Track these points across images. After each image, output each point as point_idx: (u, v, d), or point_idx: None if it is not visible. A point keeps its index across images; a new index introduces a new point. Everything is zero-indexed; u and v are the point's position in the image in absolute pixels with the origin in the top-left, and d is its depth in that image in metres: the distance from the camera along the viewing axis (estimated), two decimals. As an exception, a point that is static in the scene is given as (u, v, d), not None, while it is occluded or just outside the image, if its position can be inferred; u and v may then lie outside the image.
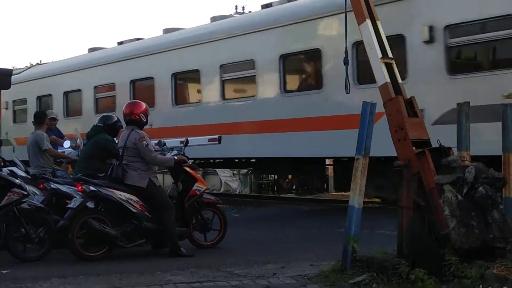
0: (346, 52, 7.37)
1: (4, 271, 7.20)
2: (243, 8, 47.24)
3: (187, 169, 8.44)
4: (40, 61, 42.78)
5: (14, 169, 9.07)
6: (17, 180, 7.82)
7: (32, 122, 10.26)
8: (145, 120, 8.14)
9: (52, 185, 8.62)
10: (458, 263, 5.39)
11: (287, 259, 7.46)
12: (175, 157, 8.37)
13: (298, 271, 6.72)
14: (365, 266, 6.13)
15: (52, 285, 6.38)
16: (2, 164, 8.14)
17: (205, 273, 6.85)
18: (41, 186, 8.22)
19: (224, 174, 25.06)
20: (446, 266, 5.41)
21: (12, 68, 40.79)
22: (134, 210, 7.76)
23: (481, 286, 5.21)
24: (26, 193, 7.67)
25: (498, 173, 6.51)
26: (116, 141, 8.53)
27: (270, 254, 7.97)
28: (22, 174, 9.07)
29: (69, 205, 8.02)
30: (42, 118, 10.28)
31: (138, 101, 9.19)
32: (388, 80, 6.41)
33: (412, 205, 6.05)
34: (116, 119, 9.13)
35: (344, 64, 7.34)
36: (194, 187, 8.35)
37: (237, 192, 23.78)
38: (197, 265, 7.33)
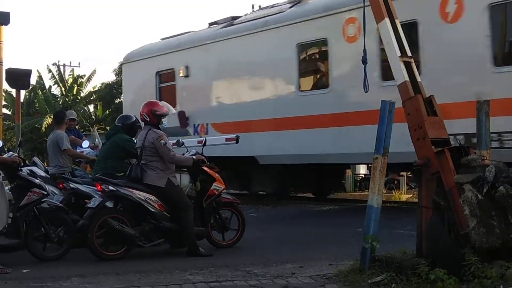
0: (364, 50, 7.24)
1: (25, 270, 7.24)
2: (260, 7, 44.55)
3: (206, 168, 8.45)
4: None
5: (34, 168, 9.10)
6: (36, 180, 7.91)
7: (52, 122, 10.32)
8: (149, 120, 8.15)
9: (71, 185, 8.76)
10: (478, 263, 5.35)
11: (306, 259, 7.44)
12: (194, 157, 8.41)
13: (317, 271, 6.72)
14: (384, 266, 6.10)
15: (71, 284, 6.41)
16: (22, 164, 8.05)
17: (223, 272, 6.84)
18: (61, 185, 8.34)
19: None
20: (466, 266, 5.37)
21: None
22: (152, 210, 7.80)
23: (501, 286, 5.15)
24: (45, 193, 7.75)
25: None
26: (135, 141, 8.65)
27: (288, 254, 7.98)
28: (42, 174, 9.06)
29: (88, 205, 8.10)
30: (62, 118, 10.37)
31: (151, 100, 9.48)
32: (407, 79, 6.43)
33: (431, 204, 5.99)
34: (134, 119, 9.25)
35: (363, 63, 7.23)
36: (213, 187, 8.36)
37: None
38: (215, 264, 7.30)
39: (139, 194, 7.82)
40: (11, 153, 8.42)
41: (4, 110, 23.89)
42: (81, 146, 11.05)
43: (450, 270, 5.41)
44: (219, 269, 7.05)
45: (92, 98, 40.91)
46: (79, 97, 39.52)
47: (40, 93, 39.64)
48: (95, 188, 8.10)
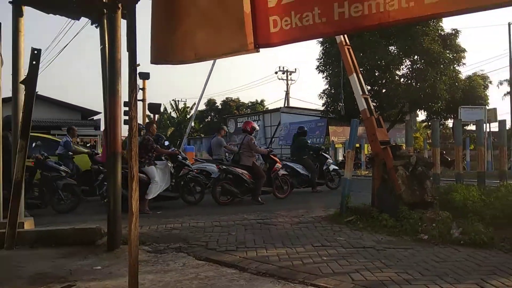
0: None
1: (158, 212, 7.70)
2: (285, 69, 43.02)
3: (272, 156, 9.64)
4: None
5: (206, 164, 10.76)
6: (187, 162, 8.99)
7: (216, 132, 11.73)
8: (249, 130, 9.13)
9: (202, 166, 10.54)
10: (407, 210, 5.72)
11: (310, 208, 7.80)
12: (267, 149, 9.88)
13: (316, 214, 7.10)
14: (353, 212, 6.49)
15: (183, 219, 6.78)
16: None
17: (265, 214, 7.24)
18: (217, 167, 9.31)
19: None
20: (400, 212, 5.73)
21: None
22: (245, 178, 8.88)
23: (419, 223, 5.40)
24: (190, 168, 8.90)
25: (429, 159, 6.61)
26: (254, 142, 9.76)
27: (300, 205, 8.29)
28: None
29: (213, 176, 9.62)
30: (220, 128, 11.47)
31: (249, 120, 10.95)
32: (366, 107, 6.63)
33: (380, 178, 6.25)
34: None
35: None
36: (276, 166, 9.50)
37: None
38: (264, 210, 7.81)
39: (239, 170, 8.89)
40: (173, 148, 9.73)
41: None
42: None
43: (390, 214, 5.83)
44: (263, 213, 7.49)
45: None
46: (186, 118, 41.15)
47: (165, 116, 46.90)
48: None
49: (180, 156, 8.85)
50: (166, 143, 9.32)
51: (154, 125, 9.01)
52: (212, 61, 25.62)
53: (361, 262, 4.05)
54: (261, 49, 3.04)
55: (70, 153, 9.42)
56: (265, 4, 2.93)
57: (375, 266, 3.92)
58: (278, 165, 9.58)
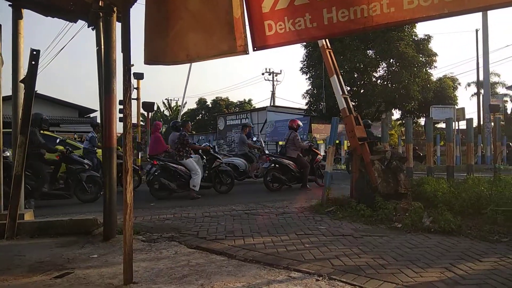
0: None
1: (152, 204, 7.59)
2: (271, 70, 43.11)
3: (314, 149, 10.06)
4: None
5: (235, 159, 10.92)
6: (218, 155, 9.24)
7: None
8: (295, 127, 9.62)
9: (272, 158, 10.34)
10: (382, 201, 5.79)
11: (294, 200, 7.76)
12: (308, 144, 10.18)
13: (299, 205, 7.09)
14: (333, 202, 6.52)
15: (175, 211, 6.68)
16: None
17: (252, 206, 7.10)
18: (267, 158, 9.63)
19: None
20: (376, 203, 5.79)
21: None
22: (291, 168, 9.33)
23: (394, 213, 5.48)
24: (221, 161, 9.13)
25: (403, 154, 6.67)
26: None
27: (285, 198, 8.18)
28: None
29: (264, 166, 9.75)
30: (245, 126, 11.66)
31: (295, 118, 10.81)
32: (345, 106, 6.66)
33: (358, 171, 6.30)
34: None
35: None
36: (317, 157, 9.92)
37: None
38: (251, 202, 7.57)
39: (286, 161, 9.25)
40: (206, 143, 9.80)
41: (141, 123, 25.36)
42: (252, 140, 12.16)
43: (367, 205, 5.90)
44: (249, 204, 7.36)
45: (184, 117, 42.59)
46: (178, 116, 41.62)
47: (158, 114, 46.29)
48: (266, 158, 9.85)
49: (211, 151, 9.10)
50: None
51: (189, 123, 9.08)
52: (189, 65, 25.63)
53: (341, 249, 4.08)
54: (251, 52, 3.06)
55: (95, 148, 9.62)
56: (259, 10, 2.95)
57: (353, 252, 3.95)
58: (319, 156, 10.17)
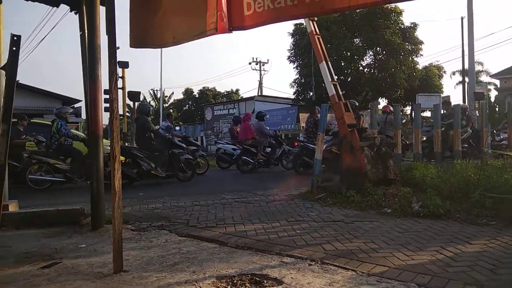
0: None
1: (140, 194, 7.53)
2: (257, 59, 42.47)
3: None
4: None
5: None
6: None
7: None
8: (388, 112, 10.69)
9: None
10: (372, 187, 5.82)
11: (284, 188, 7.78)
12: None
13: (290, 192, 7.11)
14: (323, 189, 6.49)
15: (164, 200, 6.62)
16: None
17: (242, 194, 7.12)
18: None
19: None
20: (366, 189, 5.81)
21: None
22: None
23: (383, 199, 5.49)
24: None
25: (392, 140, 6.71)
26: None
27: (275, 186, 8.21)
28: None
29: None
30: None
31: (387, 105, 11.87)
32: (335, 93, 6.63)
33: (348, 157, 6.30)
34: None
35: None
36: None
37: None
38: (241, 190, 7.57)
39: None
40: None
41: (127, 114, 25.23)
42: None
43: (357, 191, 5.89)
44: (240, 192, 7.38)
45: (171, 107, 41.55)
46: (164, 106, 40.65)
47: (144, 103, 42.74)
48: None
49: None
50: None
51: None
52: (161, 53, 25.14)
53: (332, 234, 4.08)
54: (234, 32, 2.94)
55: (170, 135, 10.17)
56: None
57: (344, 237, 3.96)
58: None
